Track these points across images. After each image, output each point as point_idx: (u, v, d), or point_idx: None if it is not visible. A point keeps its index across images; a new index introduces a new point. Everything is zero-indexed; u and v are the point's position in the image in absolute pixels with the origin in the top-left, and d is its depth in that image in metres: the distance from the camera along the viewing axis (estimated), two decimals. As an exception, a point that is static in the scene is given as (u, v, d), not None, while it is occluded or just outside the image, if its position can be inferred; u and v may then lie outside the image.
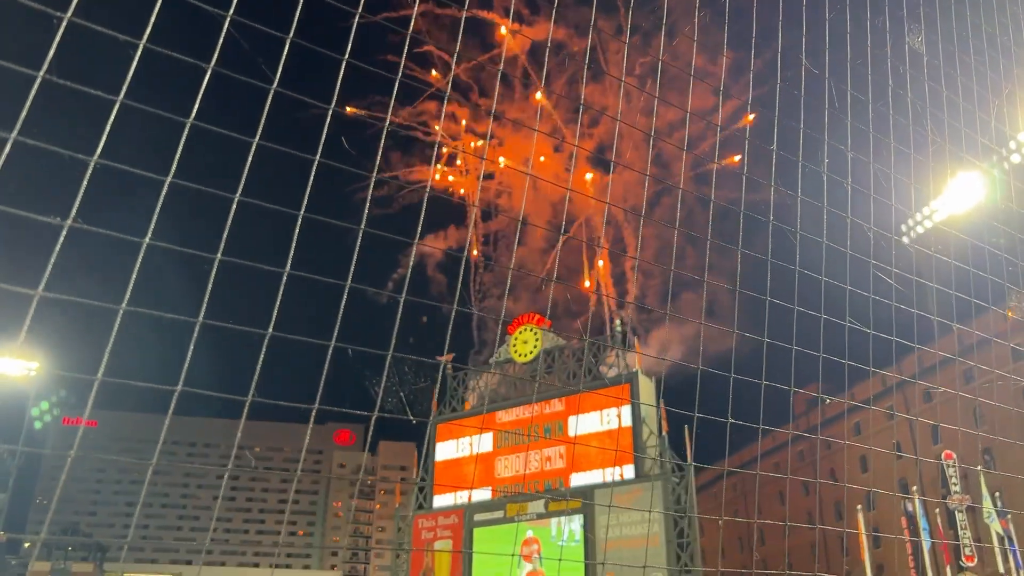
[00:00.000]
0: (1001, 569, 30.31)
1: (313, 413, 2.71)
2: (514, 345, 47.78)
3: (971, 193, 19.07)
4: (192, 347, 2.28)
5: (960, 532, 33.92)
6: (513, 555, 40.68)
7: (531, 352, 47.20)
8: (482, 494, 44.10)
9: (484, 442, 46.63)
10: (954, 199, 20.25)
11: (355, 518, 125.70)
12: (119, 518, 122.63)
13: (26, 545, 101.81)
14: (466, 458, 46.52)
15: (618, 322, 46.66)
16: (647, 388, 42.96)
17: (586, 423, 42.07)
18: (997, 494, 32.25)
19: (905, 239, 29.63)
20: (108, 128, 2.22)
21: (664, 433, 40.91)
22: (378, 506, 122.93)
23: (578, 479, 41.23)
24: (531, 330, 47.71)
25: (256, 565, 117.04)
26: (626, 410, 41.44)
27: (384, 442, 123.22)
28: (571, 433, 42.62)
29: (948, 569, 32.28)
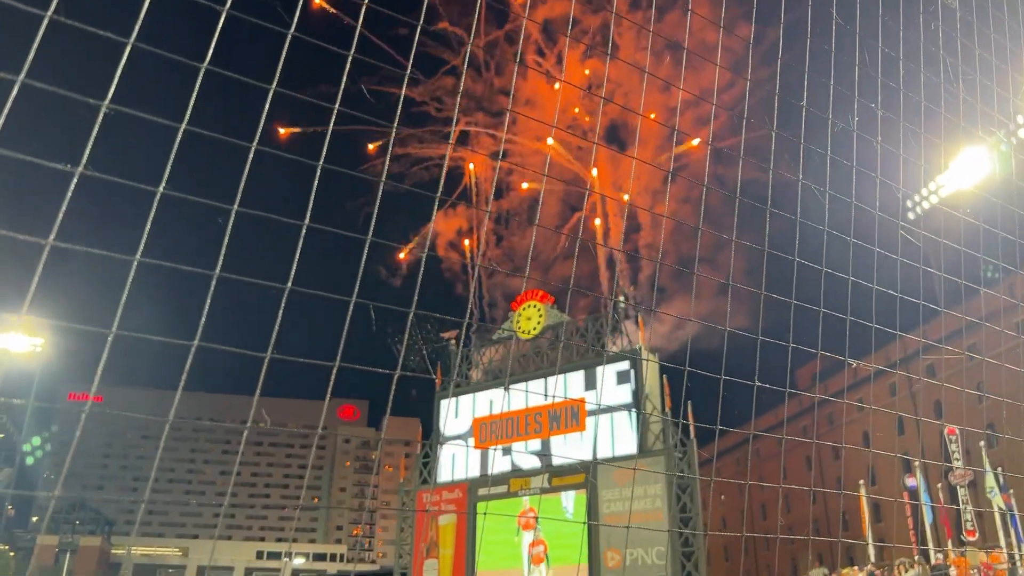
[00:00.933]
0: (1002, 543, 30.45)
1: (334, 371, 2.66)
2: (517, 321, 47.79)
3: (987, 162, 18.92)
4: (209, 301, 2.23)
5: (962, 507, 34.05)
6: (516, 519, 40.93)
7: (535, 328, 47.22)
8: (487, 468, 44.32)
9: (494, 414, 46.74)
10: (968, 169, 20.09)
11: (364, 492, 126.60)
12: (126, 493, 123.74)
13: (34, 519, 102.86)
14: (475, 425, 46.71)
15: (622, 298, 46.64)
16: (651, 364, 42.99)
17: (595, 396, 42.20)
18: (1000, 469, 32.30)
19: (911, 215, 29.47)
20: (119, 73, 2.15)
21: (667, 409, 41.03)
22: (401, 474, 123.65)
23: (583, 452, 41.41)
24: (535, 306, 47.71)
25: (262, 539, 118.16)
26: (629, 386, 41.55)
27: (388, 417, 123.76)
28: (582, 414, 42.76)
29: (949, 543, 32.40)
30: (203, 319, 2.30)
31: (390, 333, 50.87)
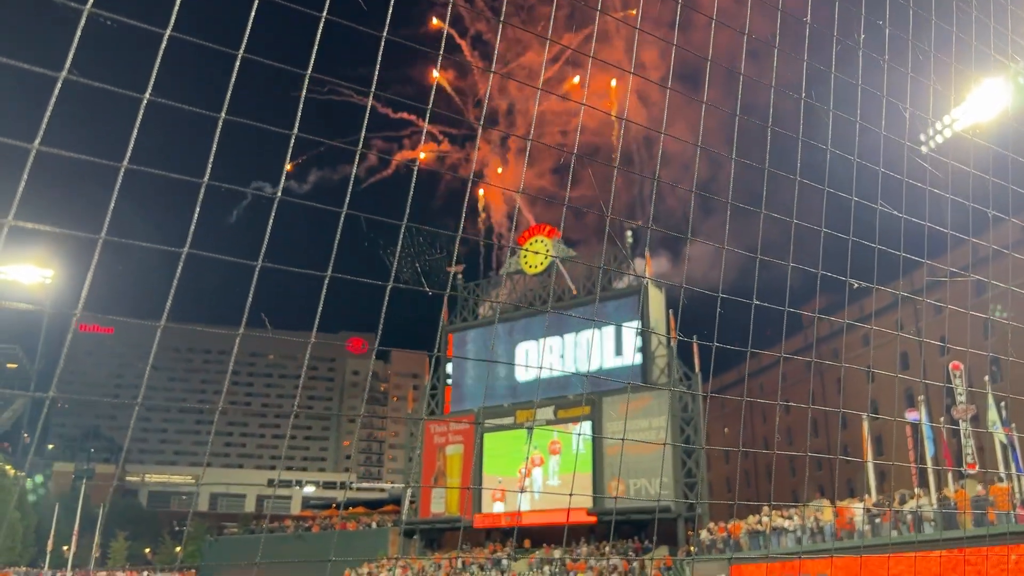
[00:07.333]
0: (1002, 475, 30.83)
1: (326, 282, 2.65)
2: (524, 256, 47.67)
3: (996, 100, 18.51)
4: (198, 210, 2.21)
5: (964, 440, 34.38)
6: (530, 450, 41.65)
7: (541, 263, 47.13)
8: (492, 400, 44.90)
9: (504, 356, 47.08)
10: (978, 106, 19.68)
11: (373, 423, 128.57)
12: (138, 422, 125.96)
13: (49, 447, 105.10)
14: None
15: (629, 232, 46.47)
16: (656, 298, 43.13)
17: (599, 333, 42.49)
18: (1002, 403, 32.46)
19: (924, 148, 29.02)
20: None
21: (673, 343, 41.26)
22: (409, 406, 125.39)
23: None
24: (541, 241, 47.54)
25: (272, 468, 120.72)
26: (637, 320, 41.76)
27: (396, 350, 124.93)
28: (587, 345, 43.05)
29: (950, 476, 32.81)
30: (192, 226, 2.28)
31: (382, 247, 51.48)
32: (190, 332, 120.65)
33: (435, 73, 60.69)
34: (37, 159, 2.15)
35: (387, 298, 2.85)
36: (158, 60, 2.18)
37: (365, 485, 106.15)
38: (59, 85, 1.92)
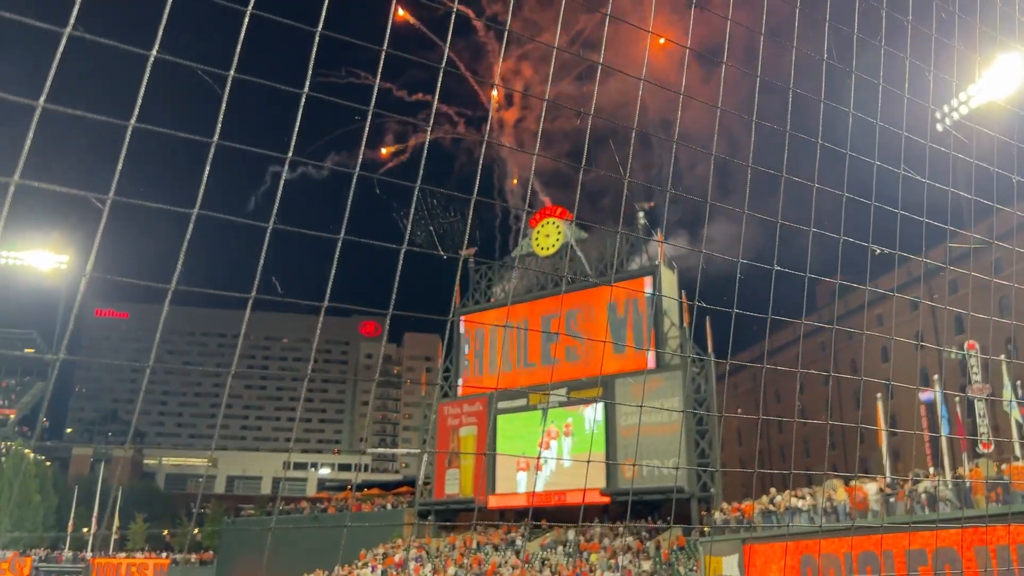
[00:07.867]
0: (1018, 454, 30.66)
1: (339, 244, 2.60)
2: (536, 238, 47.57)
3: (1018, 70, 18.22)
4: (208, 168, 2.16)
5: (978, 420, 34.20)
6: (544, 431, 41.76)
7: (553, 246, 47.02)
8: (505, 383, 44.97)
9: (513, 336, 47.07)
10: (1001, 76, 19.39)
11: (387, 405, 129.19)
12: (155, 406, 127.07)
13: (68, 431, 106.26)
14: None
15: (641, 214, 46.24)
16: (669, 279, 42.96)
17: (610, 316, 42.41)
18: (1018, 382, 32.26)
19: (939, 127, 28.70)
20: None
21: (685, 325, 41.13)
22: (422, 389, 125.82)
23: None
24: (553, 223, 47.39)
25: (287, 451, 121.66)
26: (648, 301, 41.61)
27: (409, 333, 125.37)
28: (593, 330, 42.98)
29: (964, 456, 32.68)
30: (203, 184, 2.23)
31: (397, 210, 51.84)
32: (205, 316, 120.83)
33: (400, 11, 59.72)
34: (53, 137, 2.11)
35: (401, 261, 2.81)
36: (164, 17, 2.13)
37: (382, 450, 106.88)
38: (64, 41, 1.87)
